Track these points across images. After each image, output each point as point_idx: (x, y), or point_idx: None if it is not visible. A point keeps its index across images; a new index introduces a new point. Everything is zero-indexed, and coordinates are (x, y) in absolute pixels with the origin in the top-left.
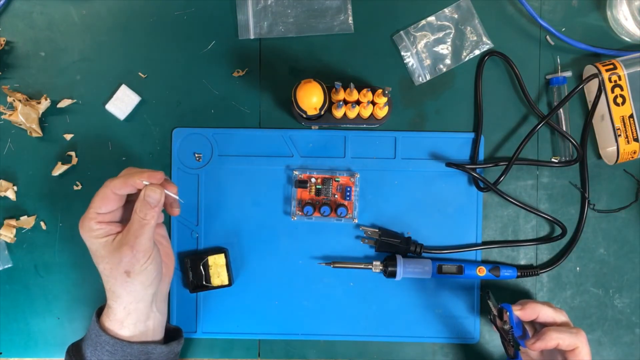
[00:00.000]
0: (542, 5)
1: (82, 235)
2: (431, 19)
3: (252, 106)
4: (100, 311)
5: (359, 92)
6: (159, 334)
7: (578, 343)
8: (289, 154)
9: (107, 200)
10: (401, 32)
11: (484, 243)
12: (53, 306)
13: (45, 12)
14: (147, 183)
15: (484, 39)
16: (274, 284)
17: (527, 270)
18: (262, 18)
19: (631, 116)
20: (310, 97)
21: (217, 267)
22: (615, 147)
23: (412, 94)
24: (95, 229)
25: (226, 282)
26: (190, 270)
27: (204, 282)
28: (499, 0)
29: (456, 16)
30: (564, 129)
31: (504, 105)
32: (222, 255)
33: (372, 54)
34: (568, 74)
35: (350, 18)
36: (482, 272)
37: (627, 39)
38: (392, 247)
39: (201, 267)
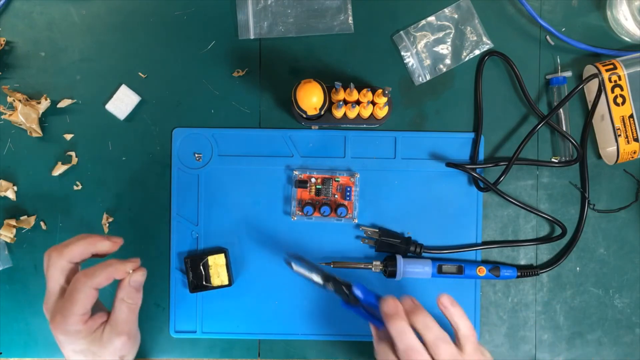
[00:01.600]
0: (542, 5)
1: (65, 341)
2: (431, 19)
3: (252, 106)
4: None
5: (359, 92)
6: None
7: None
8: (289, 154)
9: (90, 299)
10: (401, 32)
11: (484, 243)
12: None
13: (45, 12)
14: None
15: (484, 39)
16: (274, 284)
17: (527, 270)
18: (262, 18)
19: (631, 116)
20: (310, 97)
21: (217, 267)
22: (615, 147)
23: (412, 94)
24: (81, 329)
25: (226, 282)
26: (190, 270)
27: (204, 282)
28: (499, 0)
29: (456, 16)
30: (564, 129)
31: (504, 105)
32: (222, 255)
33: (372, 54)
34: (568, 74)
35: (350, 18)
36: (482, 272)
37: (627, 39)
38: (392, 247)
39: (201, 267)
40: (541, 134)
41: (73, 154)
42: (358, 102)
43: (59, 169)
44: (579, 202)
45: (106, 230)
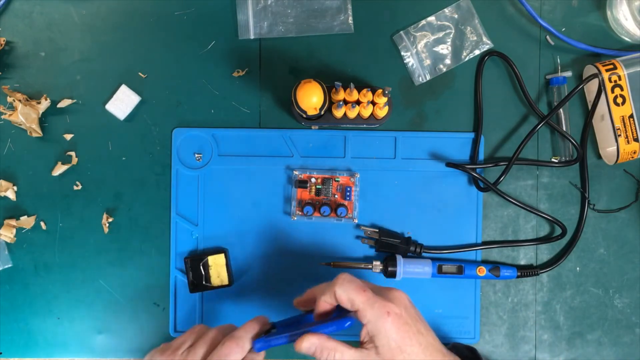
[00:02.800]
0: (542, 5)
1: None
2: (431, 19)
3: (252, 106)
4: None
5: (359, 92)
6: None
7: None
8: (289, 154)
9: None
10: (401, 32)
11: (484, 243)
12: (53, 306)
13: (45, 12)
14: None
15: (484, 39)
16: (274, 284)
17: (527, 270)
18: (262, 18)
19: (631, 116)
20: (310, 97)
21: (217, 267)
22: (615, 147)
23: (412, 94)
24: None
25: (226, 282)
26: (190, 270)
27: (204, 282)
28: (499, 0)
29: (456, 16)
30: (564, 129)
31: (504, 105)
32: (222, 255)
33: (372, 54)
34: (568, 74)
35: (350, 18)
36: (482, 272)
37: (627, 39)
38: (392, 247)
39: (201, 267)
40: (541, 134)
41: (73, 154)
42: (358, 102)
43: (59, 169)
44: (579, 202)
45: (106, 230)
